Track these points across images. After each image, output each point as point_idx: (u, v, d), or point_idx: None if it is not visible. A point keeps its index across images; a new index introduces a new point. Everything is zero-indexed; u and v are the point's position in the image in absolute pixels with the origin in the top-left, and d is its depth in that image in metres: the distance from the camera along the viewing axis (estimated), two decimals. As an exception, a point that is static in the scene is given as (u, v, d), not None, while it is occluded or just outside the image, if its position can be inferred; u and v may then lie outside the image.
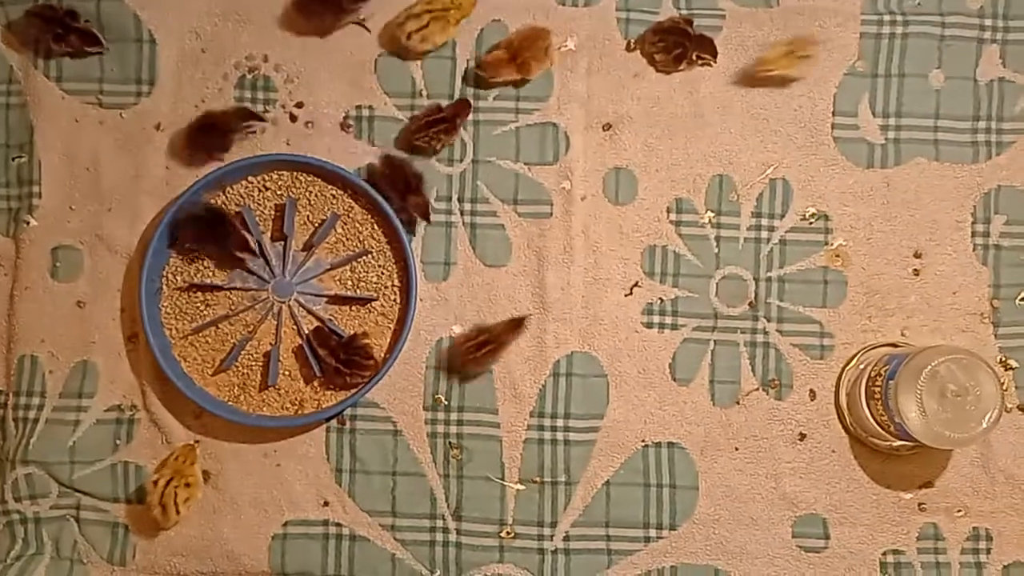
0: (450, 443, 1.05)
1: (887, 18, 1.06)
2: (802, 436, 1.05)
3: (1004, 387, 1.05)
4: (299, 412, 1.03)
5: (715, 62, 1.06)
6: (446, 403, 1.05)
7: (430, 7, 1.04)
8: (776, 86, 1.06)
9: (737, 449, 1.05)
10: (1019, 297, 1.06)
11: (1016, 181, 1.06)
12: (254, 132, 1.05)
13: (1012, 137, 1.07)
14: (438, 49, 1.06)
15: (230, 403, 1.03)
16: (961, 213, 1.06)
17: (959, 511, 1.04)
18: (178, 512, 1.00)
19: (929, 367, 0.91)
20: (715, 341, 1.06)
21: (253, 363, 1.04)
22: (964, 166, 1.06)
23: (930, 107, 1.07)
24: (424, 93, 1.07)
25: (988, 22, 1.07)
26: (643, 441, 1.05)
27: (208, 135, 1.05)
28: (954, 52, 1.07)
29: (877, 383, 0.98)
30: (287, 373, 1.04)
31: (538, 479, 1.05)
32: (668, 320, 1.06)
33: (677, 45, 1.05)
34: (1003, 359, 1.05)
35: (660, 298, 1.06)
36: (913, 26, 1.06)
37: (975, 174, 1.06)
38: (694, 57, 1.05)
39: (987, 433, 0.92)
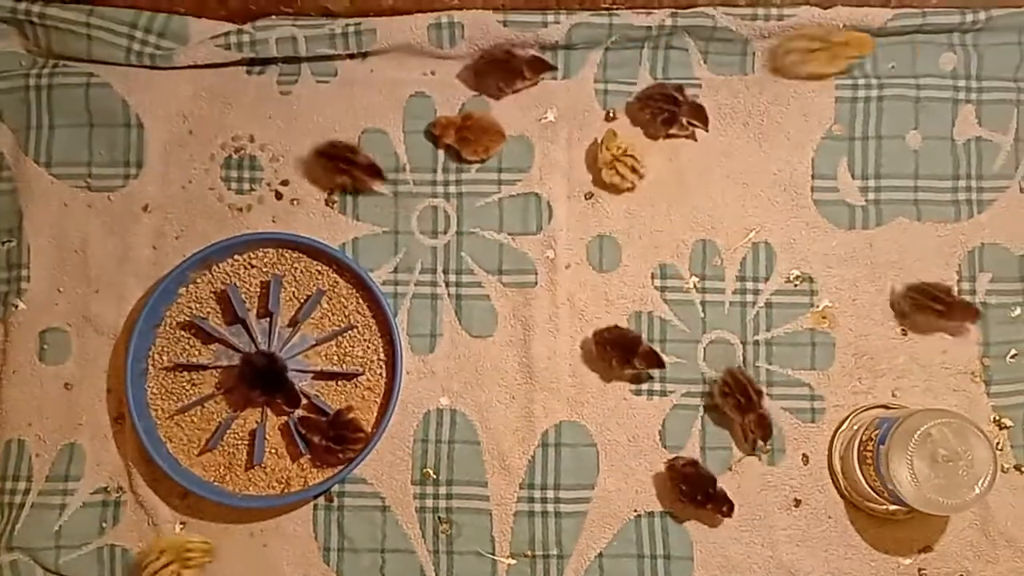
0: (439, 518, 1.01)
1: (862, 82, 1.05)
2: (797, 502, 1.01)
3: (999, 447, 1.02)
4: (286, 490, 1.00)
5: (707, 130, 1.04)
6: (435, 477, 1.02)
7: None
8: (798, 79, 1.04)
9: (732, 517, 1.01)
10: (1010, 355, 1.02)
11: (999, 238, 1.04)
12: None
13: (992, 195, 1.05)
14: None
15: (216, 483, 1.00)
16: (946, 272, 1.04)
17: (960, 576, 1.00)
18: None
19: (919, 431, 0.88)
20: (705, 407, 1.03)
21: (239, 442, 1.01)
22: (946, 225, 1.04)
23: (909, 168, 1.05)
24: (408, 168, 1.06)
25: (962, 83, 1.06)
26: (635, 511, 1.01)
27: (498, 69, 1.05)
28: (930, 113, 1.06)
29: (869, 447, 0.94)
30: (273, 451, 1.01)
31: (529, 553, 1.01)
32: (657, 387, 1.03)
33: (665, 111, 1.03)
34: (997, 418, 1.02)
35: (648, 365, 1.04)
36: (888, 88, 1.06)
37: (958, 233, 1.04)
38: (685, 123, 1.04)
39: (980, 499, 0.89)
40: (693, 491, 0.98)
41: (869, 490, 0.96)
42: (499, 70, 1.06)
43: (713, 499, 0.98)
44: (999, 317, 1.03)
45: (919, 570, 0.99)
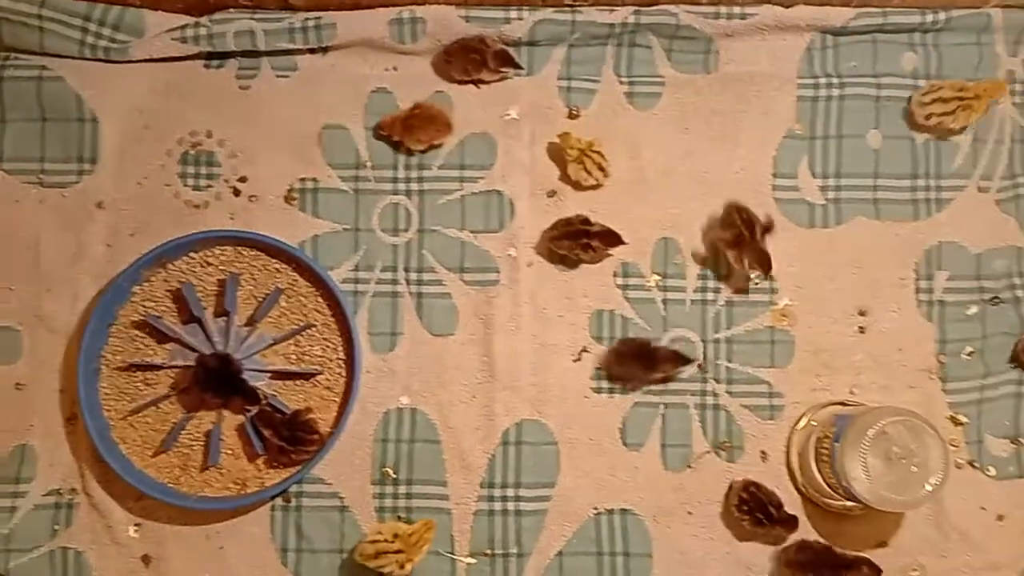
0: (399, 517, 0.99)
1: (823, 81, 1.05)
2: (756, 499, 1.00)
3: (954, 443, 1.02)
4: (242, 491, 0.97)
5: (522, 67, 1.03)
6: (394, 476, 1.00)
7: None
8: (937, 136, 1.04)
9: (691, 514, 1.00)
10: (965, 352, 1.02)
11: (957, 237, 1.04)
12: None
13: (951, 194, 1.05)
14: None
15: (171, 485, 0.97)
16: (904, 270, 1.04)
17: (915, 570, 0.99)
18: None
19: (873, 429, 0.88)
20: (665, 404, 1.02)
21: (194, 443, 0.98)
22: (905, 223, 1.04)
23: (869, 167, 1.05)
24: (369, 164, 1.04)
25: (922, 82, 1.06)
26: (595, 509, 1.00)
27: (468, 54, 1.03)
28: (890, 112, 1.05)
29: (825, 444, 0.94)
30: (230, 452, 0.98)
31: (489, 552, 0.99)
32: (618, 384, 1.02)
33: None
34: (952, 415, 1.02)
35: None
36: (849, 88, 1.05)
37: (916, 231, 1.04)
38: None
39: (932, 497, 0.89)
40: (754, 509, 0.96)
41: (825, 487, 0.96)
42: (469, 55, 1.03)
43: (778, 521, 0.97)
44: (955, 315, 1.03)
45: (875, 565, 1.01)
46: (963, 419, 1.02)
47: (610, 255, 1.03)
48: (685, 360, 1.00)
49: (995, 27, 1.05)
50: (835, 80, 1.05)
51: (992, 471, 1.01)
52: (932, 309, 1.03)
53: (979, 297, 1.03)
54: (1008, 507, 1.01)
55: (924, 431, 0.89)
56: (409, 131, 1.02)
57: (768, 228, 1.00)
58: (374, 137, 1.04)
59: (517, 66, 1.04)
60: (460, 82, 1.05)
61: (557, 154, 1.04)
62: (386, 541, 0.93)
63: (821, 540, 0.98)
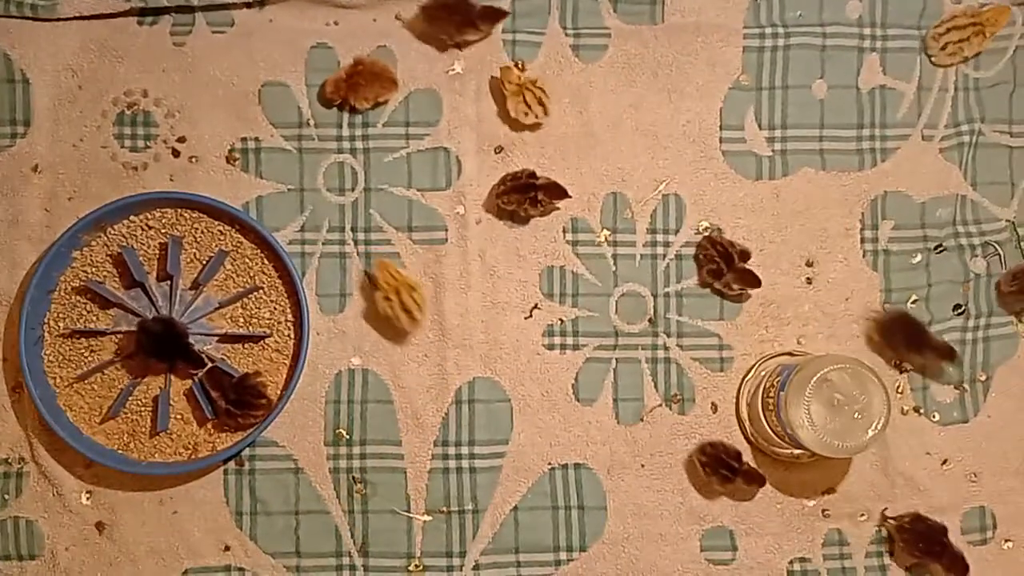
0: (353, 478, 0.99)
1: (769, 31, 1.03)
2: (706, 449, 1.01)
3: (899, 390, 1.03)
4: (193, 456, 0.96)
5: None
6: (348, 437, 0.99)
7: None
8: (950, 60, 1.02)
9: (643, 466, 1.00)
10: (910, 300, 1.03)
11: (902, 186, 1.04)
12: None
13: (896, 143, 1.04)
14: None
15: (120, 451, 0.96)
16: (850, 220, 1.03)
17: (862, 515, 1.01)
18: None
19: (816, 377, 0.89)
20: (617, 359, 1.02)
21: (142, 408, 0.97)
22: (850, 174, 1.04)
23: (815, 117, 1.04)
24: (312, 122, 1.01)
25: (867, 31, 1.05)
26: (549, 464, 1.00)
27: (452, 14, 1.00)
28: (836, 62, 1.04)
29: (771, 394, 0.95)
30: (179, 417, 0.97)
31: (445, 509, 0.99)
32: (569, 341, 1.01)
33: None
34: (897, 362, 1.02)
35: (560, 319, 1.01)
36: (795, 38, 1.04)
37: (861, 181, 1.04)
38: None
39: (874, 442, 0.90)
40: (716, 467, 0.96)
41: (773, 435, 0.97)
42: (453, 15, 0.99)
43: (741, 473, 0.97)
44: (900, 264, 1.03)
45: (823, 511, 1.01)
46: (908, 366, 1.03)
47: (557, 208, 1.01)
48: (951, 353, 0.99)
49: (939, -26, 1.05)
50: (781, 30, 1.03)
51: (937, 417, 1.03)
52: (877, 259, 1.03)
53: (923, 246, 1.04)
54: (952, 452, 1.02)
55: (866, 378, 0.89)
56: (354, 89, 0.99)
57: (745, 255, 1.00)
58: (319, 102, 1.00)
59: (505, 14, 1.00)
60: (445, 47, 1.02)
61: (499, 95, 1.01)
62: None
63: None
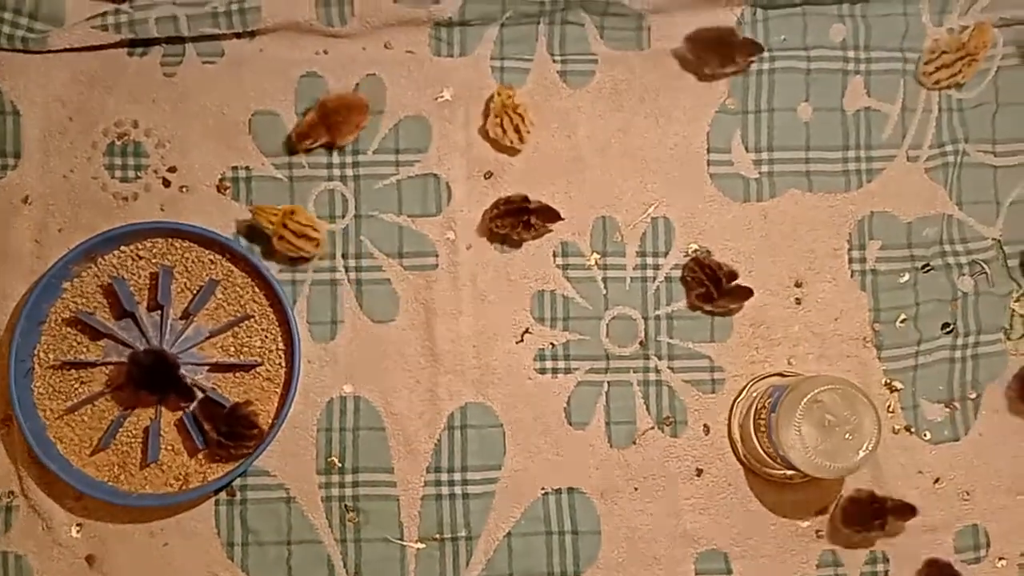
0: (346, 506, 0.97)
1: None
2: (699, 472, 1.00)
3: (890, 409, 1.03)
4: (184, 487, 0.95)
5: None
6: (340, 465, 0.98)
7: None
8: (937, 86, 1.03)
9: (636, 489, 0.99)
10: (899, 320, 1.03)
11: (888, 207, 1.04)
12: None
13: (881, 164, 1.04)
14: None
15: (110, 483, 0.94)
16: (838, 241, 1.03)
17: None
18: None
19: (806, 398, 0.88)
20: (608, 382, 1.01)
21: (133, 440, 0.95)
22: (837, 195, 1.04)
23: (800, 139, 1.04)
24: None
25: (851, 53, 1.05)
26: (542, 489, 0.99)
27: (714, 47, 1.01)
28: (821, 85, 1.05)
29: (763, 415, 0.94)
30: (169, 448, 0.95)
31: (438, 536, 0.98)
32: (561, 364, 1.01)
33: None
34: (887, 381, 1.02)
35: (551, 343, 1.01)
36: (780, 61, 1.04)
37: (848, 202, 1.04)
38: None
39: (864, 463, 0.89)
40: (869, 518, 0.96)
41: (765, 456, 0.96)
42: (715, 48, 1.00)
43: (891, 511, 0.96)
44: (888, 283, 1.03)
45: (816, 532, 1.00)
46: (899, 385, 1.02)
47: (551, 231, 1.01)
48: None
49: (920, -3, 1.06)
50: (765, 54, 1.03)
51: (928, 435, 1.02)
52: (866, 278, 1.03)
53: (911, 265, 1.04)
54: (944, 470, 1.02)
55: (857, 399, 0.89)
56: (337, 129, 0.98)
57: (732, 275, 1.00)
58: (296, 148, 0.99)
59: (761, 49, 1.01)
60: (710, 77, 1.01)
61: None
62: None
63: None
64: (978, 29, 1.03)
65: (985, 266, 1.04)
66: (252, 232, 0.99)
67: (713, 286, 0.99)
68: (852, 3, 1.04)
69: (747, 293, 1.00)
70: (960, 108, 1.06)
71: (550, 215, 0.99)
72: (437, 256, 1.01)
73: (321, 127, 0.98)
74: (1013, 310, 1.04)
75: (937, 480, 1.01)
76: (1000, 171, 1.06)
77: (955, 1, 1.05)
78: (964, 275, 1.04)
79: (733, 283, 1.00)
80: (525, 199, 0.99)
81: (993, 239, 1.05)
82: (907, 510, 0.97)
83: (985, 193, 1.05)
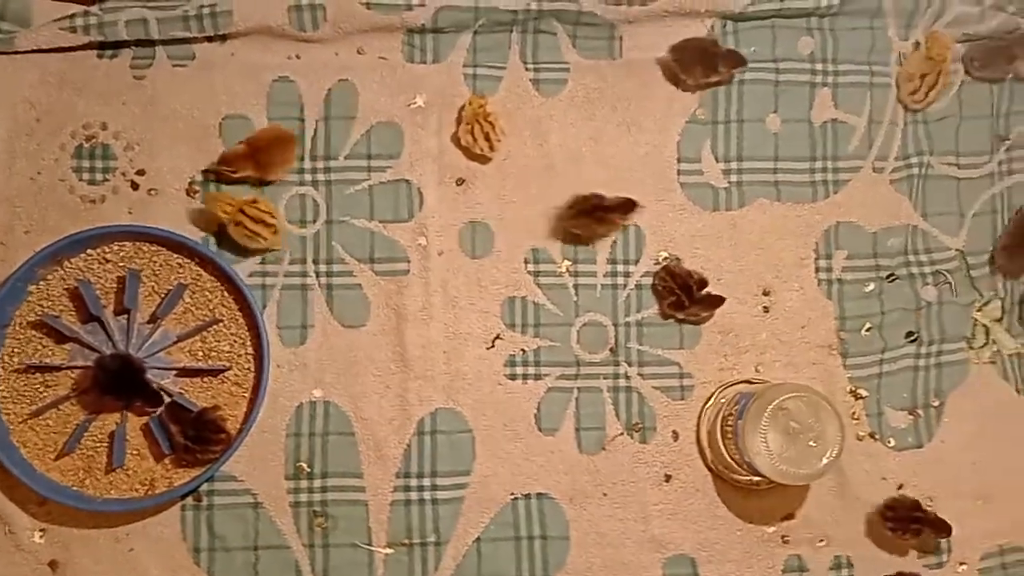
0: (314, 511, 0.97)
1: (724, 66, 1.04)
2: (667, 477, 1.00)
3: (855, 416, 1.04)
4: (150, 492, 0.93)
5: None
6: (309, 470, 0.97)
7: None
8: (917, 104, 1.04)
9: (605, 495, 0.99)
10: (864, 328, 1.04)
11: (854, 217, 1.05)
12: None
13: (847, 175, 1.05)
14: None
15: (75, 488, 0.92)
16: (805, 250, 1.04)
17: (821, 541, 1.01)
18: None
19: (772, 405, 0.89)
20: (579, 388, 1.01)
21: (98, 444, 0.94)
22: (804, 205, 1.05)
23: (769, 150, 1.05)
24: (273, 155, 1.00)
25: (819, 66, 1.06)
26: (512, 494, 0.99)
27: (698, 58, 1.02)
28: (789, 96, 1.06)
29: (730, 422, 0.95)
30: (135, 452, 0.94)
31: (407, 542, 0.97)
32: (531, 370, 1.01)
33: None
34: (852, 389, 1.03)
35: (522, 349, 1.01)
36: (749, 73, 1.05)
37: (815, 212, 1.05)
38: None
39: (828, 470, 0.90)
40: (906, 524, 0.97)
41: (732, 463, 0.97)
42: (699, 59, 1.01)
43: (927, 523, 0.97)
44: (854, 292, 1.04)
45: (782, 537, 1.01)
46: (863, 393, 1.04)
47: (625, 225, 1.01)
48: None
49: (886, 11, 1.06)
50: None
51: (892, 442, 1.03)
52: (832, 287, 1.04)
53: (876, 275, 1.05)
54: (907, 476, 1.03)
55: (821, 406, 0.90)
56: (268, 166, 0.97)
57: (703, 283, 1.00)
58: (215, 178, 0.98)
59: (744, 62, 1.02)
60: (694, 88, 1.02)
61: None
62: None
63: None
64: (932, 39, 1.04)
65: (949, 276, 1.06)
66: (221, 235, 0.98)
67: (684, 294, 1.00)
68: (820, 17, 1.06)
69: (718, 301, 1.01)
70: (925, 121, 1.07)
71: (628, 207, 0.99)
72: (408, 261, 1.00)
73: (249, 161, 0.96)
74: (976, 320, 1.06)
75: (900, 486, 1.02)
76: (964, 183, 1.07)
77: (920, 16, 1.06)
78: (928, 285, 1.05)
79: (704, 291, 1.01)
80: (599, 197, 0.99)
81: (956, 250, 1.06)
82: (944, 527, 0.98)
83: (949, 204, 1.07)
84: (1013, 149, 1.08)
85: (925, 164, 1.06)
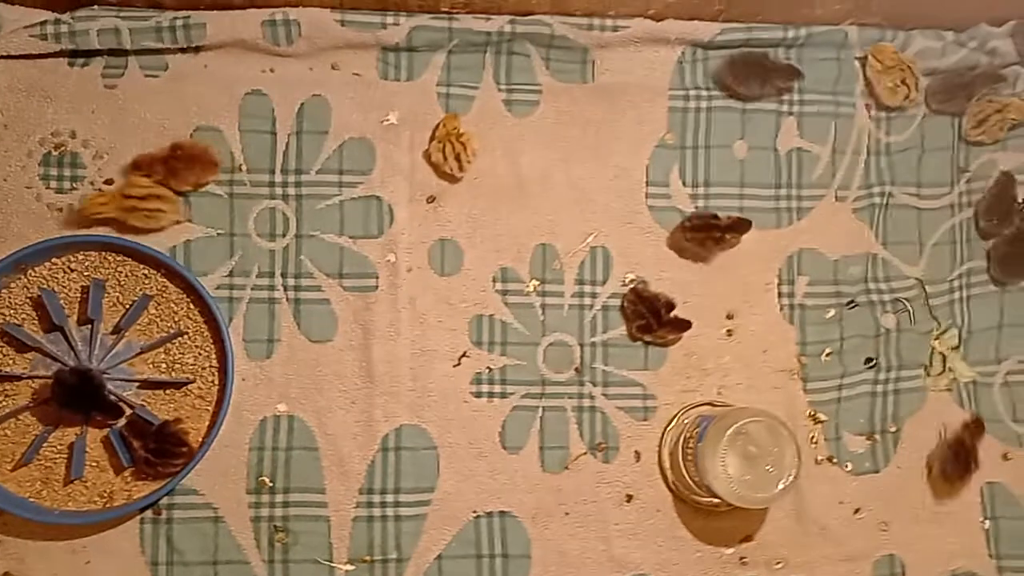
0: (275, 526, 0.96)
1: (693, 93, 1.05)
2: (629, 498, 1.01)
3: (813, 440, 1.05)
4: (109, 505, 0.92)
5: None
6: (271, 485, 0.96)
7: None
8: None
9: (568, 514, 1.00)
10: (824, 353, 1.05)
11: (816, 244, 1.06)
12: None
13: (811, 203, 1.07)
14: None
15: (31, 499, 0.91)
16: (768, 275, 1.05)
17: (778, 563, 1.01)
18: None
19: (731, 429, 0.90)
20: (544, 408, 1.01)
21: (57, 455, 0.92)
22: (769, 231, 1.06)
23: (735, 176, 1.06)
24: (244, 168, 0.99)
25: (785, 96, 1.07)
26: (474, 512, 0.99)
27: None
28: (755, 124, 1.07)
29: (690, 444, 0.95)
30: (95, 464, 0.93)
31: (368, 558, 0.96)
32: (497, 389, 1.01)
33: None
34: (812, 413, 1.04)
35: (488, 367, 1.01)
36: (717, 100, 1.06)
37: (779, 238, 1.06)
38: None
39: (784, 495, 0.91)
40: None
41: (692, 484, 0.97)
42: (755, 71, 1.04)
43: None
44: (815, 318, 1.05)
45: (740, 559, 1.01)
46: (823, 417, 1.04)
47: (738, 242, 1.02)
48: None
49: (852, 43, 1.07)
50: (704, 92, 1.05)
51: (849, 466, 1.04)
52: (794, 312, 1.05)
53: (836, 301, 1.06)
54: (864, 501, 1.04)
55: (778, 430, 0.90)
56: (173, 173, 0.96)
57: (670, 306, 1.01)
58: (132, 176, 0.96)
59: (800, 75, 1.04)
60: (746, 97, 1.04)
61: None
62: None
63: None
64: (876, 51, 1.06)
65: (908, 304, 1.07)
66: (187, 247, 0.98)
67: (652, 317, 1.01)
68: (787, 47, 1.07)
69: (685, 325, 1.01)
70: (888, 152, 1.09)
71: (741, 226, 1.01)
72: (377, 278, 1.00)
73: (161, 165, 0.95)
74: (933, 347, 1.07)
75: (857, 510, 1.03)
76: (924, 213, 1.09)
77: (885, 47, 1.10)
78: (887, 312, 1.07)
79: (672, 314, 1.02)
80: (714, 216, 1.01)
81: (916, 278, 1.08)
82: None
83: (909, 234, 1.08)
84: (973, 181, 1.10)
85: (887, 194, 1.08)
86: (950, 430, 1.04)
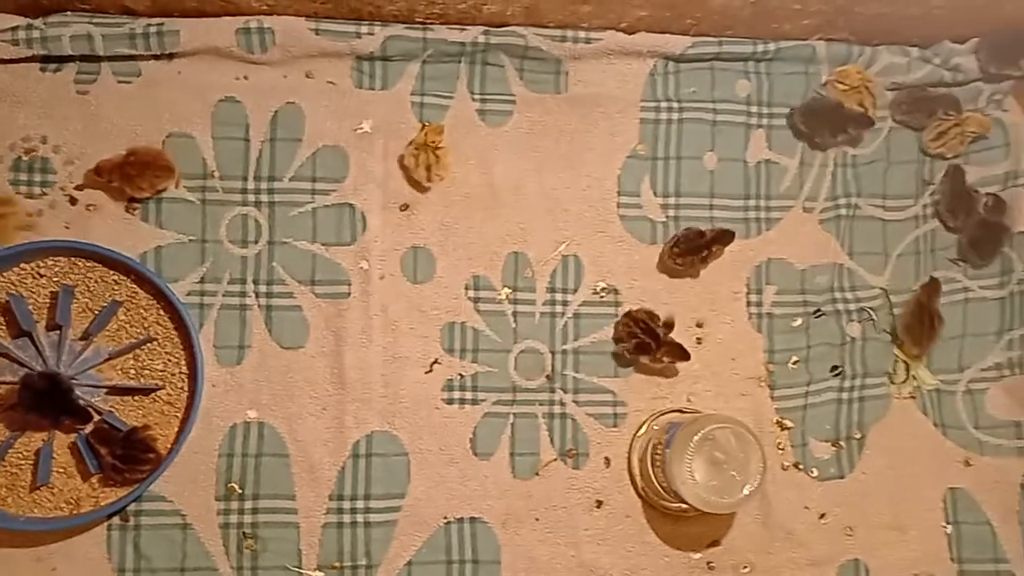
0: (244, 533, 0.95)
1: (664, 105, 1.06)
2: (599, 503, 1.01)
3: (780, 446, 1.05)
4: (75, 511, 0.90)
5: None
6: (240, 491, 0.95)
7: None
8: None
9: (538, 520, 0.99)
10: (791, 361, 1.06)
11: (784, 254, 1.07)
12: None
13: (779, 214, 1.08)
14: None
15: (-5, 506, 0.89)
16: (737, 284, 1.06)
17: (745, 567, 1.02)
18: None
19: (698, 436, 0.90)
20: (515, 414, 1.01)
21: (23, 461, 0.91)
22: (738, 241, 1.06)
23: (705, 187, 1.07)
24: (216, 174, 0.99)
25: (755, 109, 1.09)
26: (445, 518, 0.98)
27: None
28: (725, 136, 1.08)
29: (658, 451, 0.96)
30: (62, 470, 0.91)
31: (338, 564, 0.96)
32: (468, 395, 1.01)
33: None
34: (779, 419, 1.05)
35: (460, 374, 1.00)
36: (688, 112, 1.07)
37: (748, 248, 1.07)
38: None
39: (749, 500, 0.91)
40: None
41: (661, 490, 0.98)
42: (827, 120, 1.06)
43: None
44: (782, 327, 1.06)
45: (708, 563, 1.02)
46: (789, 424, 1.05)
47: (723, 254, 1.03)
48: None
49: (819, 58, 1.09)
50: (675, 104, 1.06)
51: (815, 472, 1.05)
52: (762, 321, 1.06)
53: (803, 310, 1.07)
54: (829, 506, 1.05)
55: (744, 437, 0.91)
56: (128, 180, 0.95)
57: (669, 325, 1.02)
58: (91, 183, 0.96)
59: (872, 123, 1.06)
60: (820, 147, 1.06)
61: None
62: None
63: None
64: (841, 75, 1.08)
65: (873, 313, 1.09)
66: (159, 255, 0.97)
67: (650, 338, 1.00)
68: (757, 61, 1.08)
69: (684, 355, 1.00)
70: (854, 164, 1.10)
71: (726, 238, 1.02)
72: (350, 285, 1.00)
73: (118, 172, 0.95)
74: (897, 356, 1.09)
75: (823, 516, 1.04)
76: (889, 224, 1.10)
77: (852, 64, 1.09)
78: (853, 321, 1.08)
79: (670, 331, 1.01)
80: (700, 233, 1.01)
81: (881, 288, 1.09)
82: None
83: (875, 245, 1.10)
84: (937, 193, 1.12)
85: (853, 205, 1.09)
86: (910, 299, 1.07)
